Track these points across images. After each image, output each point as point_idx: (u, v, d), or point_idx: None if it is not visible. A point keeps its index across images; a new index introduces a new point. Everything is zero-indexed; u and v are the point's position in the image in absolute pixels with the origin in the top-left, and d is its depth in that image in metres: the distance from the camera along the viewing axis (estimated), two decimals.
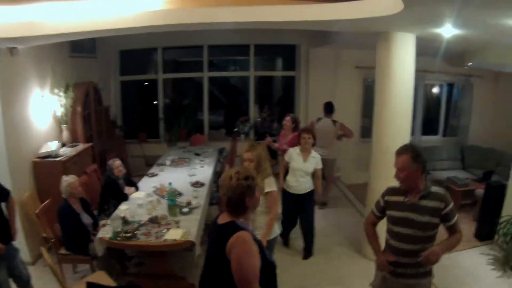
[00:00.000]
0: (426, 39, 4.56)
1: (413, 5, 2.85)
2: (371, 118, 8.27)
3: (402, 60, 4.61)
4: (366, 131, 8.34)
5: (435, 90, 8.81)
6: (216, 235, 2.33)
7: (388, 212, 2.87)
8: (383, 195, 2.93)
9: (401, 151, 2.71)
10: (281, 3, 3.84)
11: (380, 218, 2.98)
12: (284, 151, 5.40)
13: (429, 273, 2.83)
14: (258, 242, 2.29)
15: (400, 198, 2.78)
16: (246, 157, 3.53)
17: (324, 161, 5.21)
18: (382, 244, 3.02)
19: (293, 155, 4.95)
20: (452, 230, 2.70)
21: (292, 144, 5.35)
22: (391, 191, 2.88)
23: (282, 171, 5.19)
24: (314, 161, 4.92)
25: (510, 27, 3.26)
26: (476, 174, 7.34)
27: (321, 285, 4.58)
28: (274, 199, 3.67)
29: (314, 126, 6.53)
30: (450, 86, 8.52)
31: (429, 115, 8.71)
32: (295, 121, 6.05)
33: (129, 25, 3.74)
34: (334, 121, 6.74)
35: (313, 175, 4.96)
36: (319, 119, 6.85)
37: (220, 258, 2.20)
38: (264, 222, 3.63)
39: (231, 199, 2.27)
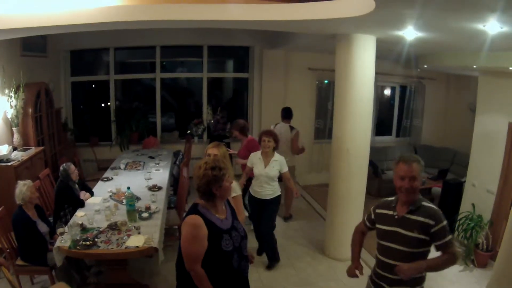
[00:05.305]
0: (386, 41, 4.64)
1: (385, 5, 2.84)
2: (325, 119, 8.47)
3: (362, 62, 4.67)
4: (320, 133, 8.48)
5: (388, 92, 9.05)
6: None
7: (377, 226, 2.73)
8: (374, 208, 2.80)
9: (410, 159, 2.53)
10: (245, 2, 3.79)
11: (371, 229, 2.88)
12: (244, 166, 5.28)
13: None
14: (219, 229, 2.48)
15: (389, 212, 2.65)
16: (211, 152, 3.46)
17: None
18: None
19: (254, 160, 4.78)
20: (443, 250, 2.48)
21: (246, 152, 5.26)
22: (382, 204, 2.76)
23: (243, 177, 4.96)
24: (277, 164, 4.66)
25: (470, 30, 3.35)
26: (431, 172, 7.62)
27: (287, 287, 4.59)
28: (239, 203, 3.59)
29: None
30: (403, 88, 8.77)
31: (382, 116, 8.94)
32: (242, 127, 5.81)
33: (83, 21, 3.62)
34: (292, 127, 6.46)
35: (281, 178, 4.79)
36: (276, 124, 6.58)
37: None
38: None
39: (200, 187, 2.50)
